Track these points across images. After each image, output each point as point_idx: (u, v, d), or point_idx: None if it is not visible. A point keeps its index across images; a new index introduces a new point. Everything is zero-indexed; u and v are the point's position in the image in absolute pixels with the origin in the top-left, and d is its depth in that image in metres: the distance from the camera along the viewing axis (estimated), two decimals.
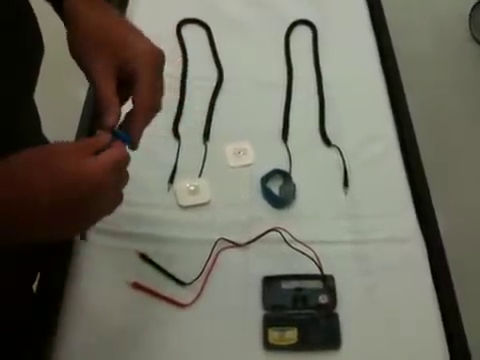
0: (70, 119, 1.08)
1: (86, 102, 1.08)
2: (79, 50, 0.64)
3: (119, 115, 0.63)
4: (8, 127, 0.64)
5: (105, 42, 0.64)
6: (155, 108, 0.66)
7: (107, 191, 0.57)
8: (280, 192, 0.95)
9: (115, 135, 0.62)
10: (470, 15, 2.41)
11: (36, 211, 0.53)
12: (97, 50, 0.63)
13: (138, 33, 0.67)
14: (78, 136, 1.03)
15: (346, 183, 0.96)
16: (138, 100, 0.65)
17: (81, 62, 0.65)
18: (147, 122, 0.66)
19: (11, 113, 0.65)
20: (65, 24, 0.66)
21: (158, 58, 0.66)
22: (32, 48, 0.68)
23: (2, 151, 0.53)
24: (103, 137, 0.60)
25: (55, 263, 0.87)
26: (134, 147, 0.66)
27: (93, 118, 1.04)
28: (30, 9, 0.67)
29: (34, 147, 0.54)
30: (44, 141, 0.89)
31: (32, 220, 0.53)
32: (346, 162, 0.98)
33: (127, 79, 0.64)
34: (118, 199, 0.61)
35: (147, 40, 0.66)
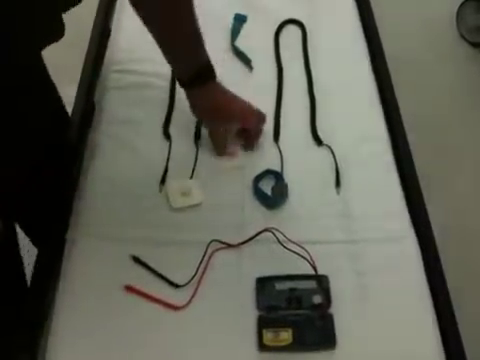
0: None
1: (76, 99, 1.08)
2: (204, 117, 0.98)
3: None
4: None
5: (225, 115, 0.96)
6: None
7: None
8: (272, 192, 0.95)
9: None
10: (457, 13, 2.42)
11: None
12: (219, 119, 0.96)
13: (240, 99, 0.97)
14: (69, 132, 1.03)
15: (338, 183, 0.96)
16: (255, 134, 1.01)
17: (205, 123, 1.00)
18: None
19: None
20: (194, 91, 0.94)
21: (259, 116, 1.00)
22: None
23: None
24: None
25: (47, 266, 0.86)
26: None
27: (83, 115, 1.05)
28: None
29: None
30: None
31: None
32: (338, 162, 0.98)
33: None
34: None
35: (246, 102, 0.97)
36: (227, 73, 0.96)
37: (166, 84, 1.09)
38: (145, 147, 1.00)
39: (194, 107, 0.96)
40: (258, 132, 1.00)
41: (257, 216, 0.92)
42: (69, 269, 0.86)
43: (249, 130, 0.99)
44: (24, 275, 0.97)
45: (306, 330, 0.80)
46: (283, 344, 0.79)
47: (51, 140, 0.96)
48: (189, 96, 0.96)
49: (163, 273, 0.85)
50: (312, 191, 0.96)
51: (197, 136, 1.01)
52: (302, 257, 0.84)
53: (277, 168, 0.97)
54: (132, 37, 1.16)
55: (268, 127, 1.04)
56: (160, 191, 0.94)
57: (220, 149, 0.99)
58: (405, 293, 0.84)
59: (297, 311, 0.82)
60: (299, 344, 0.79)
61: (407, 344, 0.80)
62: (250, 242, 0.88)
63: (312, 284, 0.84)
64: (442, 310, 0.84)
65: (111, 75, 1.12)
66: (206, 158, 0.99)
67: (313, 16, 1.23)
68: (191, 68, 0.91)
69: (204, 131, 1.02)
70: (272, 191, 0.95)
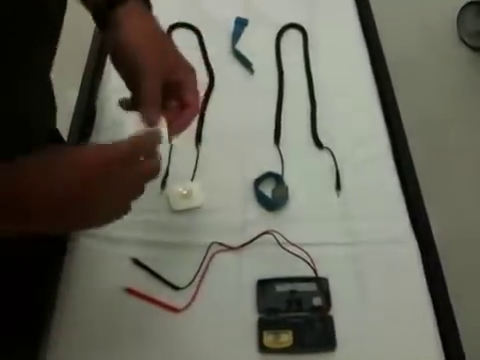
0: (62, 120, 1.08)
1: (77, 104, 1.08)
2: (131, 49, 0.68)
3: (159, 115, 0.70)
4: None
5: (159, 48, 0.70)
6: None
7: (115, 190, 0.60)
8: (273, 195, 0.95)
9: None
10: (458, 17, 2.42)
11: (51, 198, 0.54)
12: (151, 52, 0.69)
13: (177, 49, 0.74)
14: (70, 137, 1.04)
15: (338, 186, 0.97)
16: (192, 105, 0.72)
17: (130, 59, 0.68)
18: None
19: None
20: (112, 26, 0.70)
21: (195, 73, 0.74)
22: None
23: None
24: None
25: (49, 268, 0.87)
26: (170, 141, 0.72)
27: (85, 121, 1.06)
28: None
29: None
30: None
31: (46, 208, 0.55)
32: (338, 164, 0.99)
33: (171, 84, 0.70)
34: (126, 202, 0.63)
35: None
36: (228, 76, 0.96)
37: None
38: None
39: (121, 43, 0.69)
40: (196, 94, 0.74)
41: (258, 218, 0.92)
42: (70, 272, 0.86)
43: (180, 87, 0.72)
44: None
45: (306, 332, 0.80)
46: (283, 346, 0.79)
47: None
48: (112, 33, 0.70)
49: (164, 275, 0.85)
50: (312, 194, 0.96)
51: (198, 138, 1.02)
52: (302, 259, 0.84)
53: (278, 171, 0.98)
54: None
55: (269, 130, 1.04)
56: (161, 193, 0.95)
57: (150, 103, 0.68)
58: (405, 295, 0.85)
59: (297, 313, 0.82)
60: (299, 346, 0.79)
61: (407, 347, 0.80)
62: (250, 244, 0.88)
63: (312, 286, 0.84)
64: (442, 312, 0.84)
65: (112, 79, 1.12)
66: (207, 160, 0.99)
67: (314, 20, 1.24)
68: None
69: (205, 133, 1.02)
70: (273, 194, 0.95)
